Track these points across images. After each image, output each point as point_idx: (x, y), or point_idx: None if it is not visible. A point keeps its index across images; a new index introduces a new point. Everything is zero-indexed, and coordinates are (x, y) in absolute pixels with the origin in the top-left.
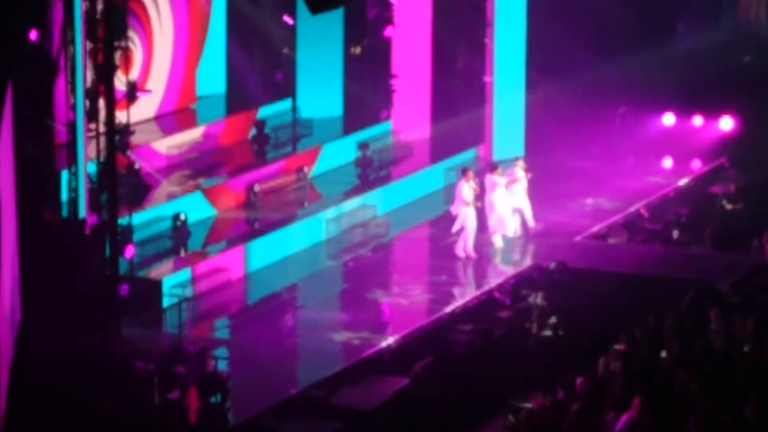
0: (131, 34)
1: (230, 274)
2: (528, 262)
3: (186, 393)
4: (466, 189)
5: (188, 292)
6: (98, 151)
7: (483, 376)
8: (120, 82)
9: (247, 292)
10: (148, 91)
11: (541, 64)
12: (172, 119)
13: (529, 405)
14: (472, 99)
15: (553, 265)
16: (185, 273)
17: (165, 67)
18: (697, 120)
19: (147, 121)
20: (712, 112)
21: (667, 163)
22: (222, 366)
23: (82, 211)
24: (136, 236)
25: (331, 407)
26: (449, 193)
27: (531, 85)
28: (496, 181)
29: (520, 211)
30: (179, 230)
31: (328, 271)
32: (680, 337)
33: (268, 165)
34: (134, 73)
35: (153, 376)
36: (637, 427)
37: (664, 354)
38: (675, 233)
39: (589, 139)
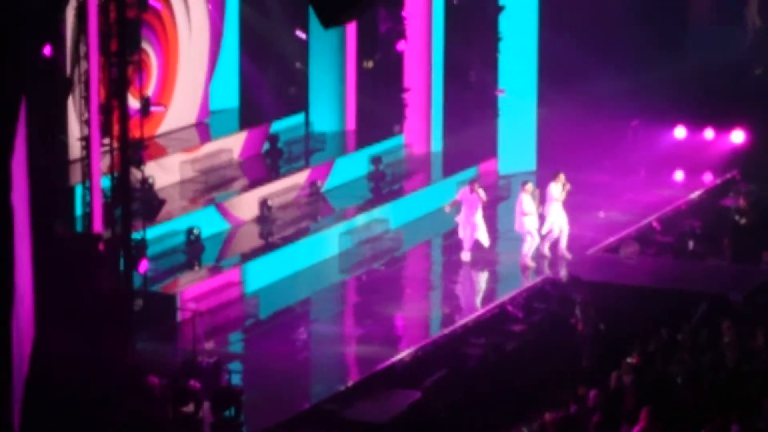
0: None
1: (243, 288)
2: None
3: (200, 407)
4: (527, 200)
5: (202, 306)
6: (112, 166)
7: (495, 390)
8: (134, 97)
9: (260, 306)
10: (162, 106)
11: (553, 77)
12: (185, 134)
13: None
14: (484, 112)
15: (565, 278)
16: (199, 287)
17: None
18: (709, 133)
19: (160, 135)
20: (724, 125)
21: (679, 176)
22: (235, 380)
23: (96, 226)
24: (150, 251)
25: (344, 421)
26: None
27: (543, 97)
28: (552, 192)
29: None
30: (193, 244)
31: (340, 285)
32: (693, 350)
33: (282, 179)
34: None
35: (167, 390)
36: None
37: (676, 367)
38: (690, 243)
39: (600, 152)
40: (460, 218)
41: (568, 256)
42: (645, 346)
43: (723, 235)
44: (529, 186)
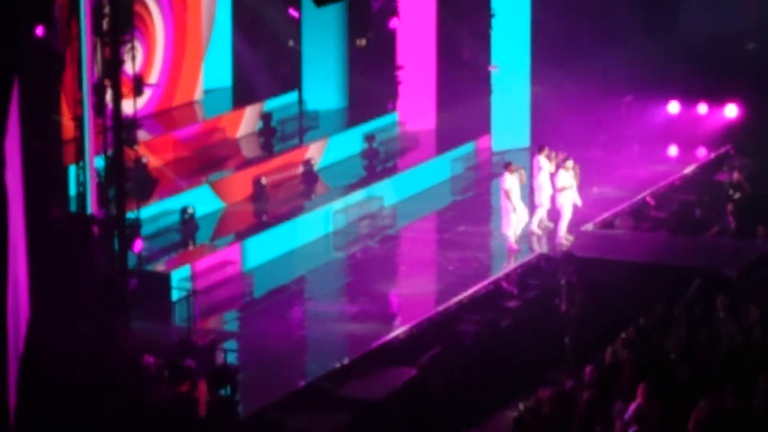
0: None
1: (238, 267)
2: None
3: (195, 386)
4: (564, 175)
5: (197, 285)
6: (105, 146)
7: (490, 366)
8: (127, 76)
9: (255, 285)
10: (154, 85)
11: (546, 53)
12: (178, 113)
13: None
14: (477, 89)
15: (559, 254)
16: (194, 266)
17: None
18: (702, 108)
19: (154, 114)
20: (717, 100)
21: (673, 151)
22: (231, 359)
23: (90, 206)
24: (145, 230)
25: (340, 399)
26: (456, 184)
27: (536, 74)
28: (542, 164)
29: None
30: (187, 224)
31: (335, 263)
32: (688, 325)
33: (275, 157)
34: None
35: (162, 369)
36: (644, 414)
37: (671, 342)
38: (698, 211)
39: (594, 127)
40: (508, 207)
41: (568, 239)
42: (640, 321)
43: (724, 205)
44: (569, 162)
